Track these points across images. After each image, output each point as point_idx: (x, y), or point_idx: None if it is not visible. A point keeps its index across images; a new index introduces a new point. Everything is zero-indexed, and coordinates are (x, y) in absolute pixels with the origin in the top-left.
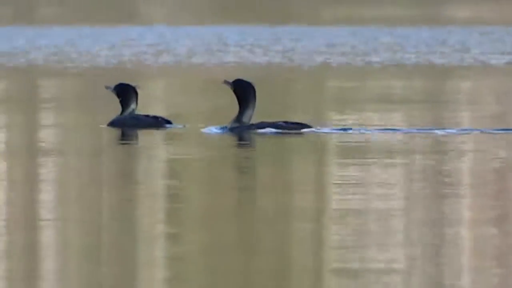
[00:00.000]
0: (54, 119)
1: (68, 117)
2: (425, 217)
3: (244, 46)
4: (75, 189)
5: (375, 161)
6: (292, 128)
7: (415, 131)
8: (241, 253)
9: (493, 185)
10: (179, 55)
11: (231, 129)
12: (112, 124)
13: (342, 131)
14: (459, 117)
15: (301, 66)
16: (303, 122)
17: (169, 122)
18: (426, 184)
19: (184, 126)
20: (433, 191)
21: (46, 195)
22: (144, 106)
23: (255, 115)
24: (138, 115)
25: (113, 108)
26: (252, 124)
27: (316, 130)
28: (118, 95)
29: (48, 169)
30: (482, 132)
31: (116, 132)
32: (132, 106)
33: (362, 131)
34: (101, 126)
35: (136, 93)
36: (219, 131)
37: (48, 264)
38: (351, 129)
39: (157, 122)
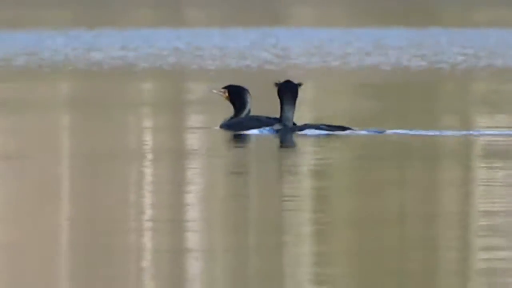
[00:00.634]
0: (198, 121)
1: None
2: None
3: (403, 49)
4: (221, 190)
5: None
6: (334, 130)
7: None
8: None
9: None
10: (330, 57)
11: (277, 131)
12: (228, 126)
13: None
14: None
15: (446, 68)
16: (343, 125)
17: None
18: None
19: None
20: None
21: (191, 197)
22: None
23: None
24: (259, 117)
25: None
26: (295, 126)
27: (356, 132)
28: (231, 98)
29: (193, 171)
30: None
31: (232, 134)
32: (248, 107)
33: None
34: (215, 128)
35: (249, 95)
36: (264, 132)
37: (195, 268)
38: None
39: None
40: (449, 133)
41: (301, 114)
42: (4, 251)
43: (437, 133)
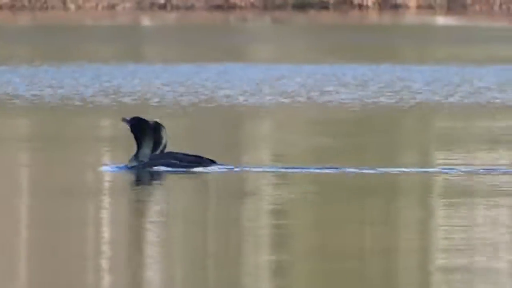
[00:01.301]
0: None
1: None
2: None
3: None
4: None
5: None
6: (188, 166)
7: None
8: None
9: None
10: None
11: (131, 168)
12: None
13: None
14: None
15: (405, 105)
16: (202, 156)
17: (213, 162)
18: None
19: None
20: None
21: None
22: (251, 142)
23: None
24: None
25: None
26: (150, 162)
27: (221, 168)
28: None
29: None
30: None
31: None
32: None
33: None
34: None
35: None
36: (117, 169)
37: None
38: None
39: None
40: (407, 170)
41: (258, 150)
42: None
43: (394, 169)
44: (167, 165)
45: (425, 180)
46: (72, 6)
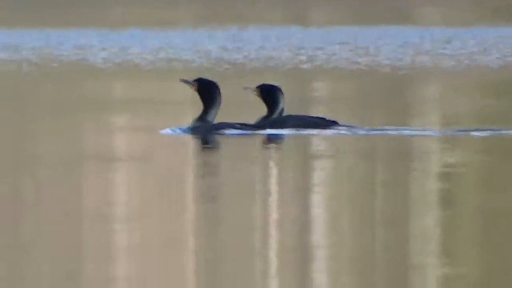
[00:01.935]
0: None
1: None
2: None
3: None
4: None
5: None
6: (253, 129)
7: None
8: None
9: None
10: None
11: (193, 129)
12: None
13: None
14: None
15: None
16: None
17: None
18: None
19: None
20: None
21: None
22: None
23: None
24: (303, 116)
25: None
26: (214, 124)
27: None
28: (263, 96)
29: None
30: None
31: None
32: (281, 106)
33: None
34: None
35: (282, 94)
36: (180, 131)
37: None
38: None
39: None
40: None
41: (427, 112)
42: (132, 253)
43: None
44: (236, 129)
45: None
46: None
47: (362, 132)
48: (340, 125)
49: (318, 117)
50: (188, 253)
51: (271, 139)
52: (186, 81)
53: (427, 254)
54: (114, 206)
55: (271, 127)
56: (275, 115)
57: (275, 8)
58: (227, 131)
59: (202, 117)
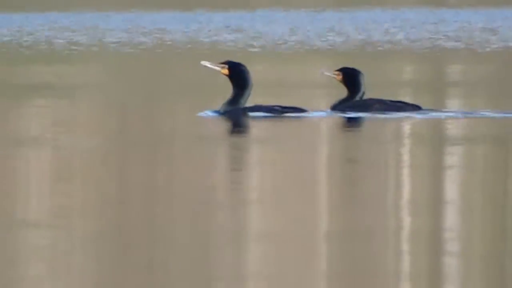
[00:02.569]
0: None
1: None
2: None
3: None
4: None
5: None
6: (287, 112)
7: None
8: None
9: None
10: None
11: (225, 113)
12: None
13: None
14: None
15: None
16: (298, 106)
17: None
18: None
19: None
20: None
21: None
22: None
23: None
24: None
25: None
26: (246, 107)
27: (310, 114)
28: (344, 80)
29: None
30: None
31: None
32: (362, 89)
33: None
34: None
35: (363, 77)
36: (214, 114)
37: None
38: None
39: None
40: None
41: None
42: (267, 241)
43: None
44: (268, 111)
45: None
46: None
47: (448, 115)
48: (423, 109)
49: (400, 101)
50: (327, 233)
51: (367, 121)
52: (223, 64)
53: None
54: (260, 191)
55: (353, 110)
56: (357, 98)
57: None
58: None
59: (234, 101)
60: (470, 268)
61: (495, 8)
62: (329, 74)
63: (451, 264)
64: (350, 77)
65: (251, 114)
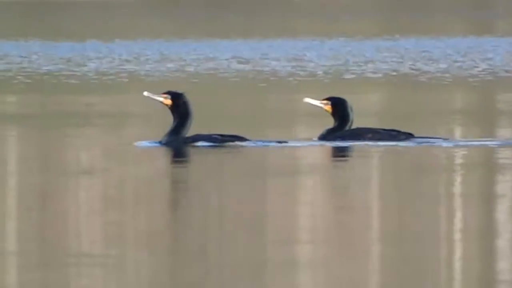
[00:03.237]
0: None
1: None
2: None
3: None
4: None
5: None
6: (227, 141)
7: None
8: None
9: None
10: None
11: (167, 143)
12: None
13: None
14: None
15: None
16: (238, 134)
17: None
18: None
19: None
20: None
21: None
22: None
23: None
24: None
25: None
26: (188, 137)
27: (252, 144)
28: (333, 110)
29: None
30: None
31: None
32: (351, 118)
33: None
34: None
35: (351, 107)
36: (153, 145)
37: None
38: (286, 141)
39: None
40: None
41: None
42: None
43: None
44: (209, 141)
45: None
46: None
47: (446, 144)
48: (415, 137)
49: (392, 129)
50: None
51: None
52: (171, 94)
53: None
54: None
55: (344, 139)
56: (346, 127)
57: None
58: (201, 144)
59: (176, 131)
60: None
61: None
62: (316, 104)
63: None
64: (339, 107)
65: (193, 144)
